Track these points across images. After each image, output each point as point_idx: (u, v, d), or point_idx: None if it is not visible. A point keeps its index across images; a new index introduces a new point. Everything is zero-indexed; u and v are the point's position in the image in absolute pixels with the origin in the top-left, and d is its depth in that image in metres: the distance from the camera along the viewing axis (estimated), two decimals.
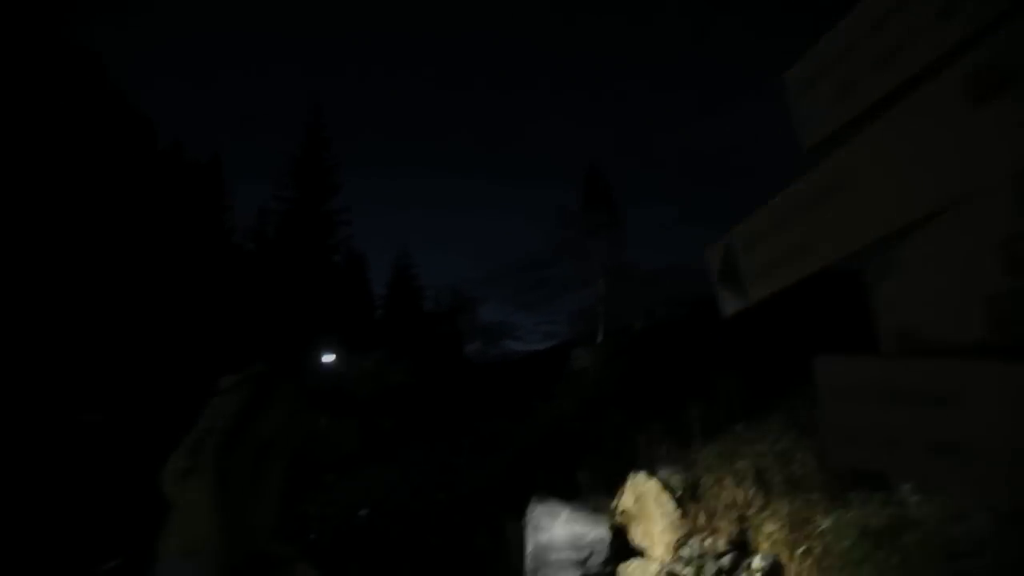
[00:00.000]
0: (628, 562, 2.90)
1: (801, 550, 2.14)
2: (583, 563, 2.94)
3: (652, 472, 3.29)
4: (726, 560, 2.47)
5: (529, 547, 3.07)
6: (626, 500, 3.34)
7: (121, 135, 14.18)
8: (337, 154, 22.52)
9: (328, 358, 10.35)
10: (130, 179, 13.63)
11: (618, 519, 3.25)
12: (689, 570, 2.53)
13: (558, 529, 3.03)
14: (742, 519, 2.67)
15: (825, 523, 2.06)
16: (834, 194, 0.95)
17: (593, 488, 3.93)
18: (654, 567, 2.75)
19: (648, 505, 3.08)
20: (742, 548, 2.53)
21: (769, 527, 2.43)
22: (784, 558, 2.26)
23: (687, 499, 3.05)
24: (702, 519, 2.91)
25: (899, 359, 0.82)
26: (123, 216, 12.68)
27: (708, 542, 2.68)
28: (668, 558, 2.75)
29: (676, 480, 3.19)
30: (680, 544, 2.76)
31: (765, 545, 2.42)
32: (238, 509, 1.52)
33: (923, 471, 0.78)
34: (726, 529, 2.73)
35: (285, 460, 1.66)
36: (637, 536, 3.08)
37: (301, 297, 16.66)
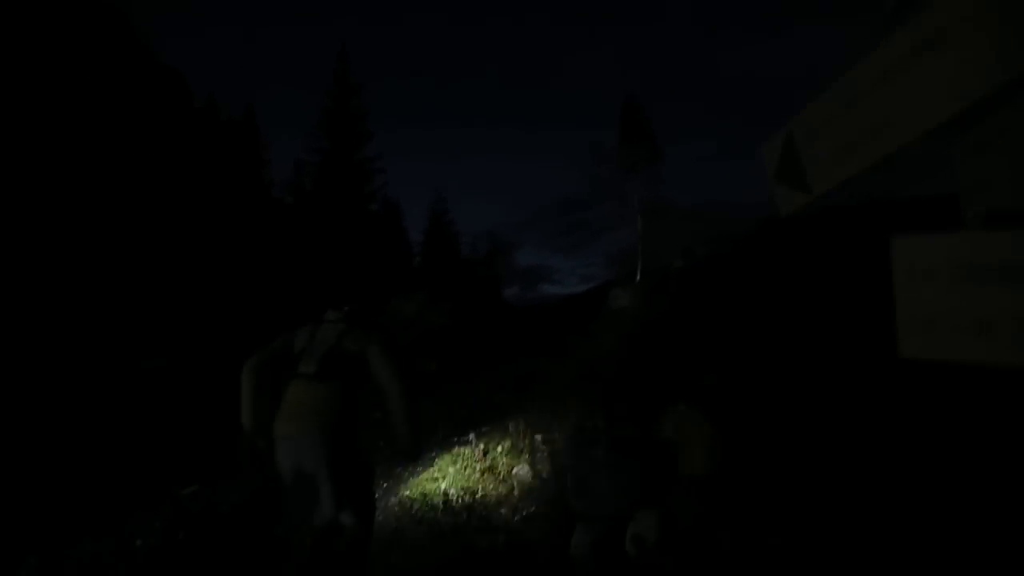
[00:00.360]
0: None
1: None
2: (622, 492, 2.97)
3: (694, 403, 3.25)
4: None
5: (568, 476, 3.13)
6: (666, 429, 3.34)
7: (156, 95, 14.36)
8: (367, 101, 22.24)
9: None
10: (170, 138, 13.91)
11: (657, 448, 3.25)
12: None
13: (597, 459, 3.06)
14: None
15: None
16: (917, 61, 0.81)
17: (632, 419, 3.94)
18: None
19: (690, 433, 3.06)
20: None
21: None
22: None
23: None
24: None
25: (991, 233, 0.72)
26: (167, 174, 13.05)
27: None
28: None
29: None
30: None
31: None
32: (347, 399, 2.15)
33: (1017, 352, 0.69)
34: None
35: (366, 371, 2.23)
36: (679, 463, 3.08)
37: (340, 246, 17.01)
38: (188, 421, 6.98)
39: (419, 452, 2.44)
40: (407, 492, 4.09)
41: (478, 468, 4.24)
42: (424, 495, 3.86)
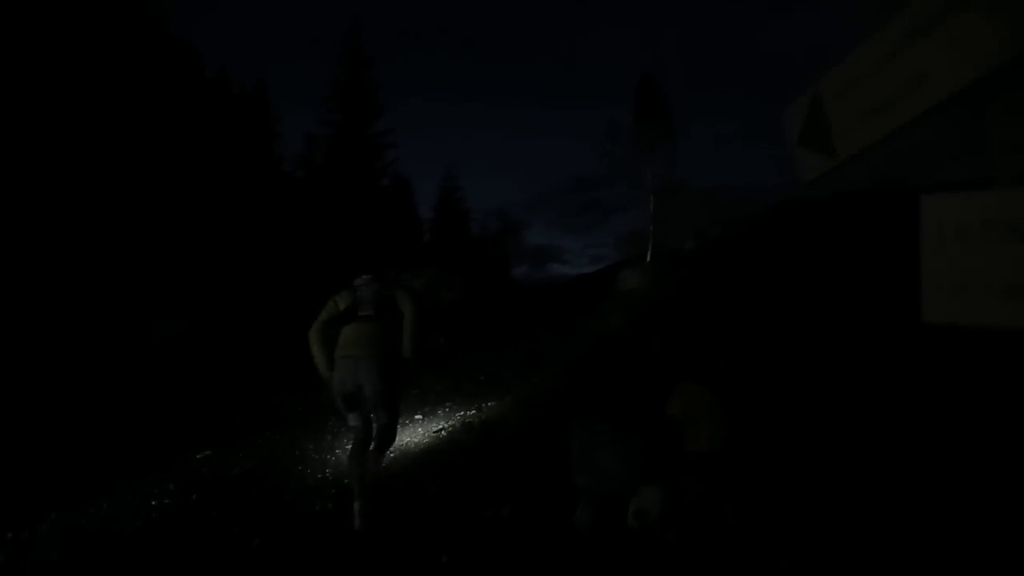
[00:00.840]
0: None
1: None
2: (626, 468, 2.99)
3: (703, 382, 3.23)
4: None
5: (572, 451, 3.14)
6: (672, 406, 3.33)
7: (168, 67, 14.26)
8: (378, 74, 21.95)
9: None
10: (182, 111, 13.86)
11: (663, 425, 3.25)
12: None
13: (602, 435, 3.06)
14: None
15: None
16: (956, 15, 0.76)
17: (639, 397, 3.95)
18: None
19: (696, 410, 3.05)
20: None
21: None
22: None
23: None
24: None
25: None
26: (180, 147, 13.05)
27: None
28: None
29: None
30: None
31: None
32: (392, 332, 3.15)
33: None
34: None
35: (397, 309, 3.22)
36: (684, 441, 3.08)
37: (350, 222, 17.03)
38: (202, 387, 7.12)
39: (416, 357, 3.19)
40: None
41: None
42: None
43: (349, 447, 3.26)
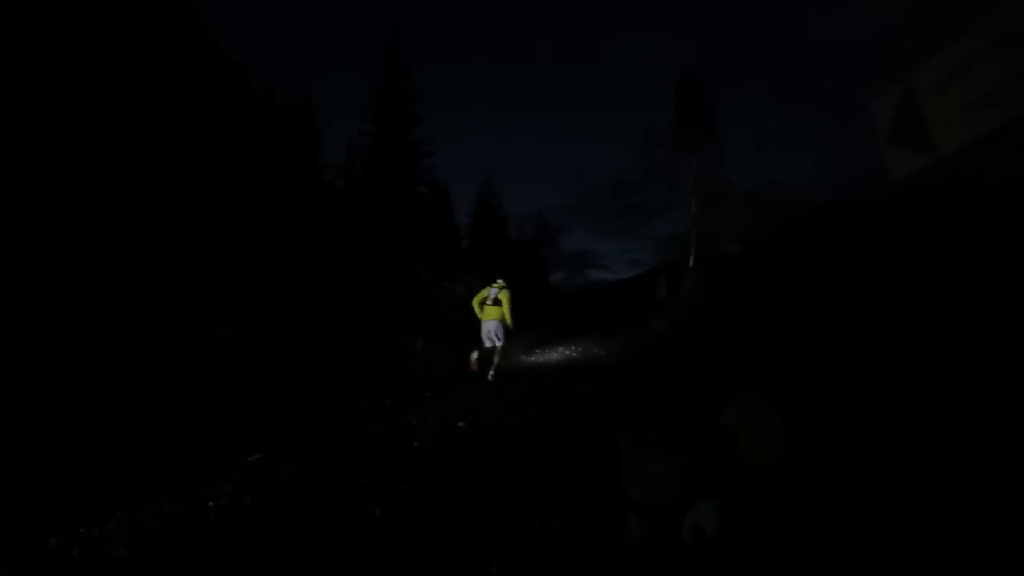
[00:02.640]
0: None
1: None
2: (680, 480, 2.88)
3: (759, 391, 3.09)
4: None
5: (623, 462, 3.06)
6: (726, 416, 3.20)
7: (218, 85, 14.97)
8: (417, 84, 22.35)
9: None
10: (231, 126, 14.51)
11: (716, 436, 3.13)
12: None
13: (653, 445, 2.97)
14: None
15: None
16: None
17: (688, 405, 3.82)
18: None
19: (753, 421, 2.92)
20: None
21: None
22: None
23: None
24: None
25: None
26: (229, 160, 13.65)
27: None
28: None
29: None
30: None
31: None
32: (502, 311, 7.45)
33: None
34: None
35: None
36: (740, 453, 2.95)
37: (390, 229, 17.36)
38: (251, 391, 7.38)
39: (513, 329, 7.61)
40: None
41: None
42: None
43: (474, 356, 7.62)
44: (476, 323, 7.66)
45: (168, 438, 5.84)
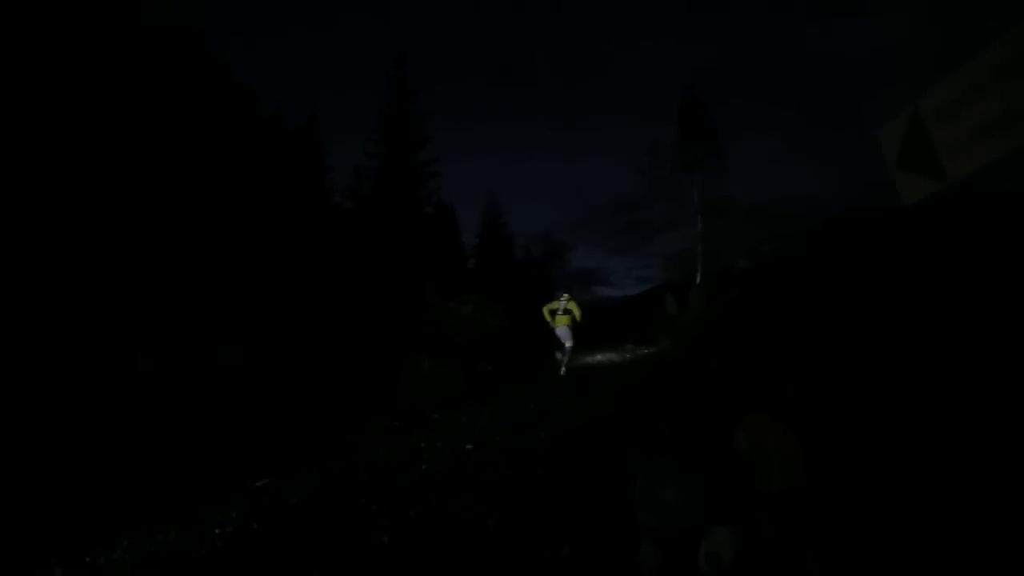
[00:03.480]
0: None
1: None
2: (693, 506, 2.81)
3: (772, 413, 3.03)
4: None
5: (635, 487, 2.99)
6: (740, 439, 3.13)
7: (230, 111, 15.30)
8: (422, 106, 22.75)
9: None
10: (242, 151, 14.78)
11: (730, 459, 3.05)
12: None
13: (665, 469, 2.91)
14: None
15: None
16: None
17: (700, 427, 3.75)
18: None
19: (768, 444, 2.85)
20: None
21: None
22: None
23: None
24: None
25: None
26: (241, 183, 13.86)
27: None
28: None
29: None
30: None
31: None
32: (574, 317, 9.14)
33: None
34: None
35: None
36: (756, 477, 2.88)
37: (396, 250, 17.46)
38: (259, 414, 7.35)
39: (580, 325, 9.20)
40: None
41: None
42: None
43: (559, 354, 9.28)
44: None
45: (177, 462, 5.82)
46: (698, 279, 15.52)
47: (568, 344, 9.09)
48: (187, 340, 9.40)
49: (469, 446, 5.43)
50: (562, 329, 9.04)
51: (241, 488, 5.00)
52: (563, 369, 9.15)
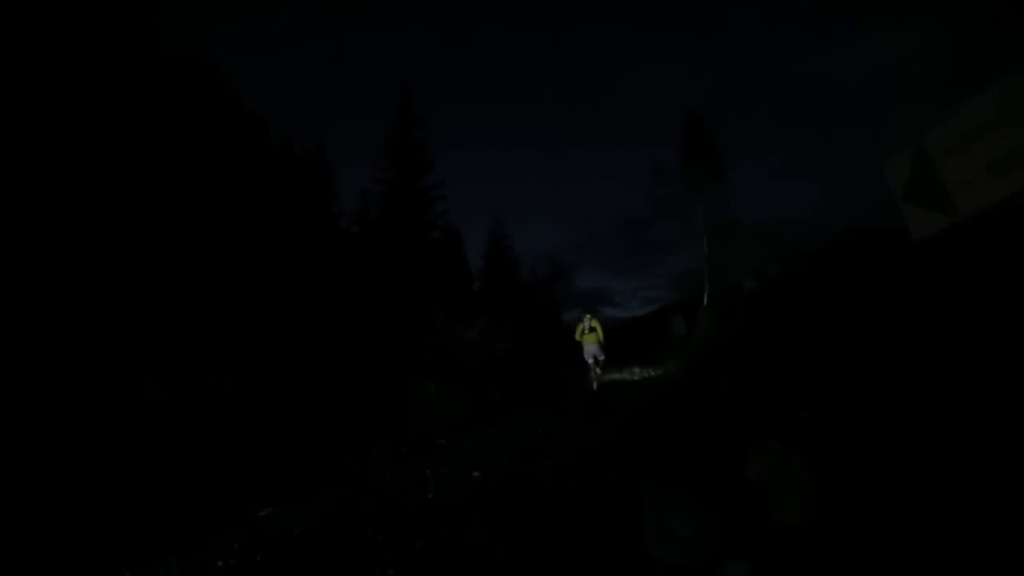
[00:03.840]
0: None
1: None
2: (707, 538, 2.73)
3: (785, 440, 2.96)
4: None
5: (646, 517, 2.92)
6: (752, 468, 3.06)
7: (241, 138, 15.62)
8: (428, 131, 23.12)
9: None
10: (253, 177, 15.03)
11: (744, 489, 2.98)
12: None
13: (677, 499, 2.84)
14: None
15: None
16: None
17: (712, 454, 3.67)
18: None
19: (781, 474, 2.78)
20: None
21: None
22: None
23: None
24: None
25: None
26: (251, 211, 14.06)
27: None
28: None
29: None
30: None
31: None
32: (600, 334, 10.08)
33: None
34: None
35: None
36: (771, 508, 2.79)
37: (403, 274, 17.54)
38: (261, 440, 7.29)
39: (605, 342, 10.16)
40: None
41: None
42: None
43: (593, 371, 10.00)
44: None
45: (181, 489, 5.76)
46: (705, 300, 15.44)
47: (601, 357, 9.93)
48: (195, 365, 9.41)
49: (476, 473, 5.35)
50: (590, 347, 9.88)
51: (245, 516, 4.93)
52: (595, 384, 9.87)
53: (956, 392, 3.05)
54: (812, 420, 3.18)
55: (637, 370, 11.35)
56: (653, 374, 10.26)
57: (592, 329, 9.92)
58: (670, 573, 2.59)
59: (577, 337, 10.18)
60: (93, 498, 5.38)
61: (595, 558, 2.95)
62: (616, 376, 11.27)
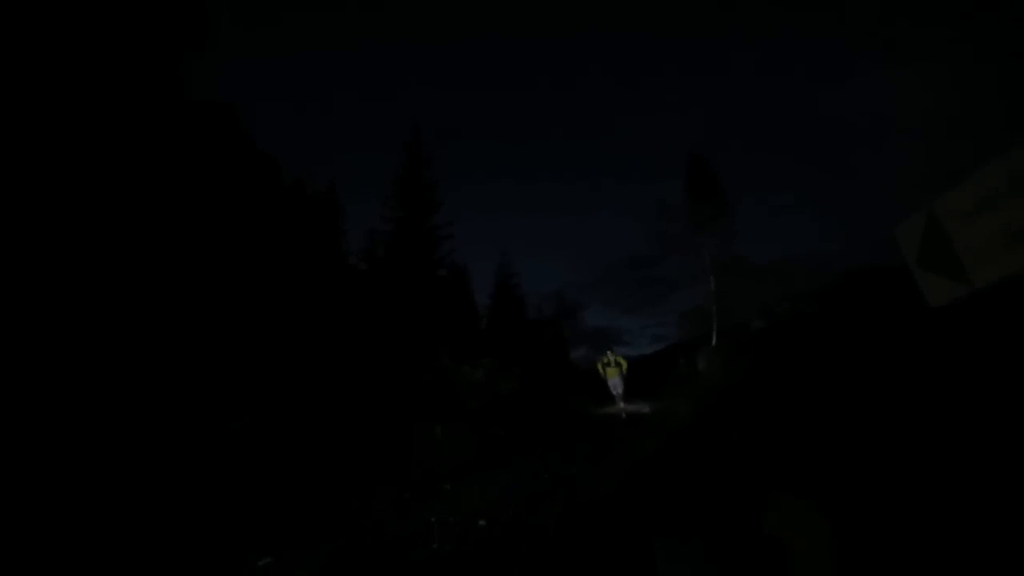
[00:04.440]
0: None
1: None
2: None
3: (800, 492, 2.87)
4: None
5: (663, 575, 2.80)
6: (769, 522, 2.95)
7: (255, 178, 16.05)
8: (436, 172, 23.68)
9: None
10: (265, 217, 15.35)
11: (761, 546, 2.86)
12: None
13: (694, 558, 2.74)
14: None
15: None
16: None
17: (725, 509, 3.54)
18: None
19: (800, 530, 2.68)
20: None
21: None
22: None
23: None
24: None
25: None
26: (263, 250, 14.28)
27: None
28: None
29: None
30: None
31: None
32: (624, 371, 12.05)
33: None
34: None
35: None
36: (791, 566, 2.68)
37: (410, 312, 17.59)
38: (264, 484, 7.13)
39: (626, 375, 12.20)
40: None
41: None
42: None
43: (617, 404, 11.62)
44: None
45: (176, 536, 5.61)
46: (713, 338, 15.31)
47: (619, 390, 11.50)
48: (203, 404, 9.34)
49: (482, 522, 5.19)
50: (613, 380, 11.48)
51: (244, 566, 4.78)
52: (623, 415, 10.87)
53: (988, 451, 2.96)
54: (828, 470, 3.08)
55: (647, 409, 11.21)
56: (662, 412, 10.08)
57: (617, 364, 11.44)
58: None
59: (600, 370, 11.67)
60: (87, 539, 5.26)
61: None
62: (631, 408, 12.02)
